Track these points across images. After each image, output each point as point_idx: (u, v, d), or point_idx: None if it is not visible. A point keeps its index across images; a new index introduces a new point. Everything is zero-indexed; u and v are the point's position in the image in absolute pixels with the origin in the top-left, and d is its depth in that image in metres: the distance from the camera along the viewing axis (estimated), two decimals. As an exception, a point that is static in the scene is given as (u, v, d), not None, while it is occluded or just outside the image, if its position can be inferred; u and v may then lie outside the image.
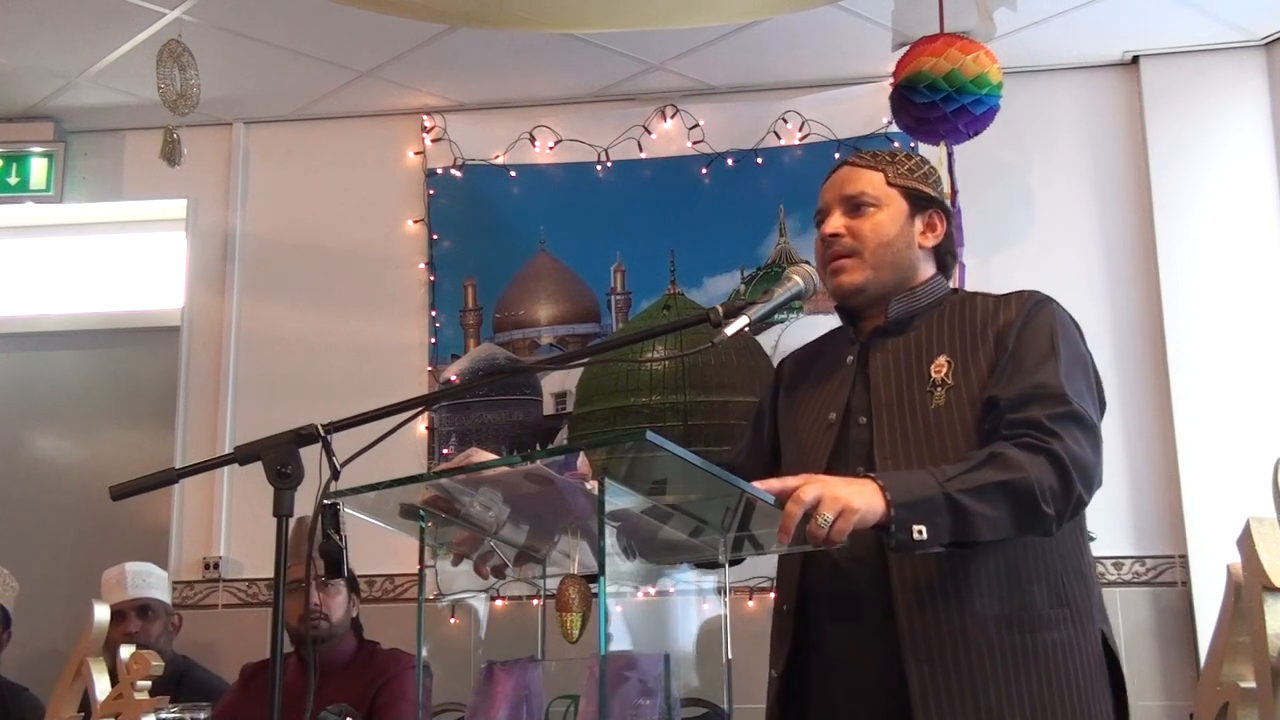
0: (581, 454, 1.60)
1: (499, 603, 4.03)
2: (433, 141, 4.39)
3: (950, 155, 3.80)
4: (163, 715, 1.97)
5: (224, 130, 4.50)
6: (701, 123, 4.25)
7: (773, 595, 2.13)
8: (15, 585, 3.72)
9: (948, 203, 2.14)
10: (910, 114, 3.56)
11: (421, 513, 1.75)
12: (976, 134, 3.60)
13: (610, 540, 1.69)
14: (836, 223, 2.05)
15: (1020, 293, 1.99)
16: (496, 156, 4.34)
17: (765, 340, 4.04)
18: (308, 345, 4.34)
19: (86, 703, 2.11)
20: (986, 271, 3.95)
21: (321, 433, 1.65)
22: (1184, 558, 3.81)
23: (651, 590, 3.91)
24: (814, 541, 1.65)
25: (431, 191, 4.37)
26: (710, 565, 1.94)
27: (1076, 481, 1.78)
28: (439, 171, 4.37)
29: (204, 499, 4.25)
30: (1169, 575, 3.86)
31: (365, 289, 4.36)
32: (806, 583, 1.97)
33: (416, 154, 4.41)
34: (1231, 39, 3.99)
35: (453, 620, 4.04)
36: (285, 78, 4.16)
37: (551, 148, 4.32)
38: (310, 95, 4.31)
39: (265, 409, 4.21)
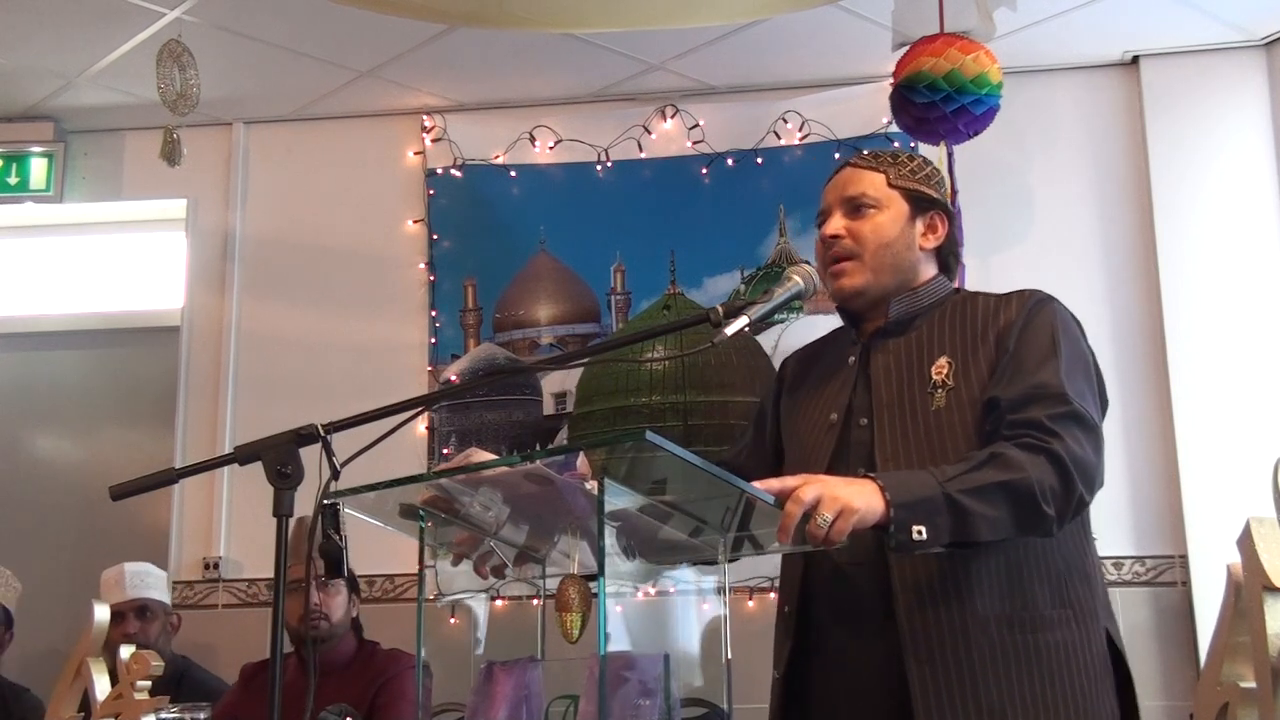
0: (581, 454, 1.60)
1: (499, 603, 4.03)
2: (433, 141, 4.38)
3: (950, 155, 3.80)
4: (163, 715, 1.97)
5: (224, 130, 4.50)
6: (701, 123, 4.25)
7: (773, 596, 2.13)
8: (18, 586, 3.72)
9: (950, 204, 2.14)
10: (910, 114, 3.56)
11: (421, 513, 1.75)
12: (976, 134, 3.60)
13: (610, 540, 1.69)
14: (837, 224, 2.05)
15: (1021, 292, 1.99)
16: (496, 156, 4.34)
17: (765, 340, 4.04)
18: (308, 345, 4.34)
19: (86, 703, 2.11)
20: (986, 271, 3.95)
21: (321, 433, 1.65)
22: (1184, 558, 3.81)
23: (651, 590, 3.91)
24: (813, 541, 1.65)
25: (431, 191, 4.37)
26: (709, 563, 1.94)
27: (1077, 482, 1.78)
28: (439, 171, 4.37)
29: (204, 499, 4.24)
30: (1169, 575, 3.86)
31: (365, 289, 4.36)
32: (808, 584, 1.97)
33: (416, 154, 4.41)
34: (1231, 39, 3.99)
35: (453, 620, 4.03)
36: (285, 78, 4.16)
37: (551, 148, 4.32)
38: (310, 95, 4.31)
39: (265, 409, 4.21)
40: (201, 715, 1.99)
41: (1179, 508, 3.84)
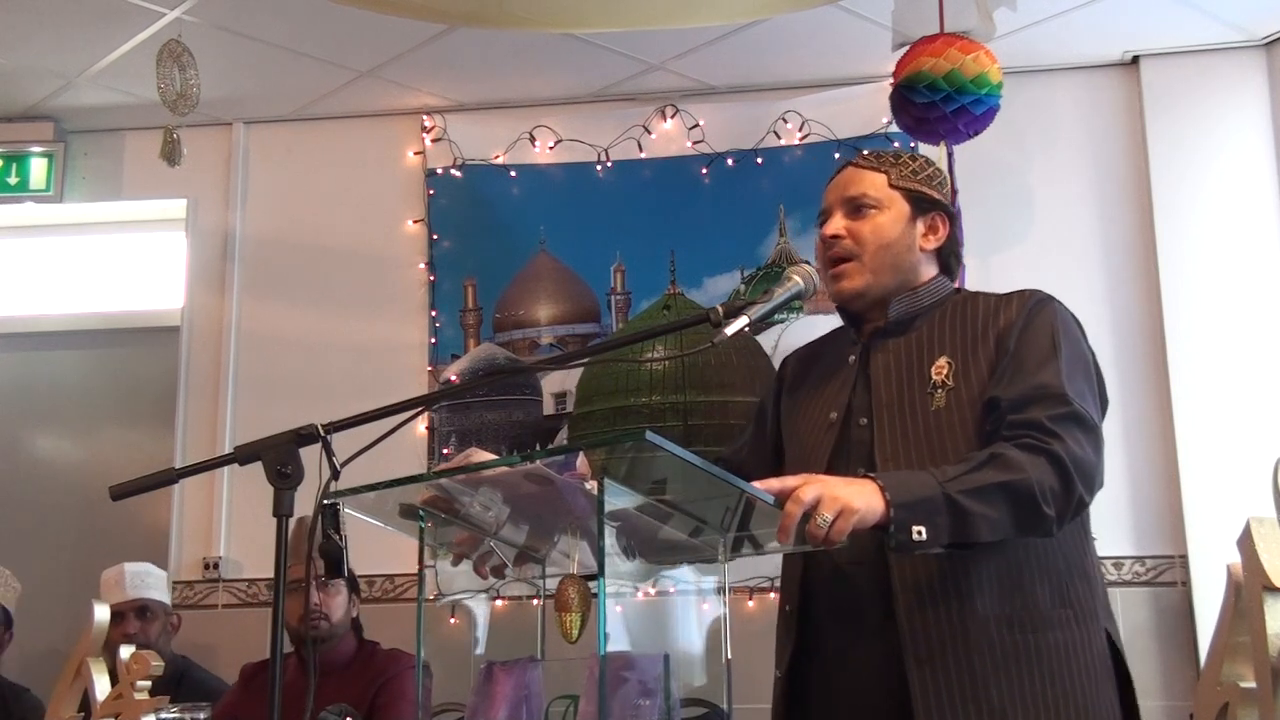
0: (581, 454, 1.60)
1: (499, 603, 4.03)
2: (433, 141, 4.39)
3: (950, 155, 3.80)
4: (162, 715, 1.97)
5: (224, 130, 4.50)
6: (701, 123, 4.25)
7: (773, 596, 2.13)
8: (17, 586, 3.72)
9: (951, 205, 2.14)
10: (910, 114, 3.56)
11: (421, 513, 1.75)
12: (976, 134, 3.60)
13: (610, 540, 1.69)
14: (837, 224, 2.05)
15: (1021, 292, 1.99)
16: (496, 156, 4.34)
17: (765, 340, 4.04)
18: (308, 345, 4.34)
19: (86, 703, 2.11)
20: (986, 271, 3.95)
21: (321, 433, 1.65)
22: (1184, 558, 3.81)
23: (651, 590, 3.91)
24: (813, 542, 1.65)
25: (431, 191, 4.37)
26: (709, 562, 1.94)
27: (1077, 482, 1.78)
28: (439, 171, 4.37)
29: (204, 499, 4.24)
30: (1169, 575, 3.86)
31: (365, 289, 4.36)
32: (808, 584, 1.98)
33: (416, 154, 4.41)
34: (1231, 39, 3.99)
35: (453, 620, 4.03)
36: (285, 78, 4.16)
37: (551, 148, 4.32)
38: (310, 95, 4.31)
39: (265, 409, 4.21)
40: (201, 715, 1.99)
41: (1179, 508, 3.84)
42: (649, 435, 1.46)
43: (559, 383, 4.20)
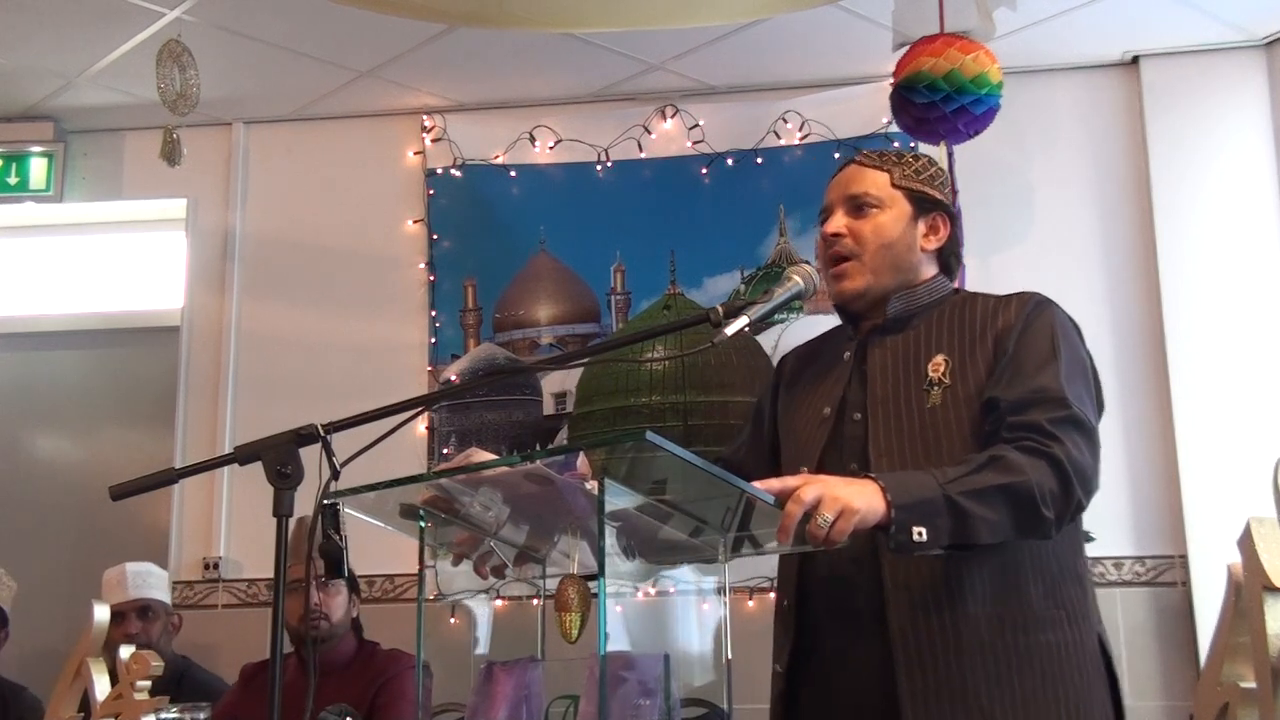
0: (581, 454, 1.60)
1: (499, 603, 4.03)
2: (433, 141, 4.39)
3: (950, 155, 3.80)
4: (162, 715, 1.97)
5: (224, 130, 4.50)
6: (701, 123, 4.25)
7: (774, 595, 2.13)
8: (13, 585, 3.72)
9: (953, 205, 2.14)
10: (910, 114, 3.56)
11: (421, 513, 1.75)
12: (976, 134, 3.60)
13: (610, 540, 1.69)
14: (838, 222, 2.05)
15: (1021, 294, 1.99)
16: (496, 156, 4.34)
17: (765, 340, 4.04)
18: (308, 345, 4.34)
19: (86, 703, 2.11)
20: (986, 271, 3.95)
21: (321, 433, 1.65)
22: (1184, 558, 3.81)
23: (651, 590, 3.91)
24: (814, 542, 1.65)
25: (431, 191, 4.37)
26: (709, 562, 1.94)
27: (1076, 486, 1.79)
28: (439, 171, 4.37)
29: (204, 499, 4.24)
30: (1169, 575, 3.86)
31: (365, 289, 4.36)
32: (804, 581, 1.98)
33: (416, 154, 4.41)
34: (1231, 39, 3.99)
35: (453, 620, 4.03)
36: (285, 78, 4.16)
37: (551, 148, 4.32)
38: (310, 95, 4.31)
39: (265, 409, 4.21)
40: (201, 715, 1.99)
41: (1179, 508, 3.84)
42: (649, 435, 1.46)
43: (559, 383, 4.20)
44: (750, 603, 3.80)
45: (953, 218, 2.10)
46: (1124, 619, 3.80)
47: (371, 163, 4.44)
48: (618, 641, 3.70)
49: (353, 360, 4.28)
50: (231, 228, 4.45)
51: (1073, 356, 1.91)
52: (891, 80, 3.61)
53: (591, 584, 1.62)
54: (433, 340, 4.29)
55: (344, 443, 1.66)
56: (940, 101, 3.45)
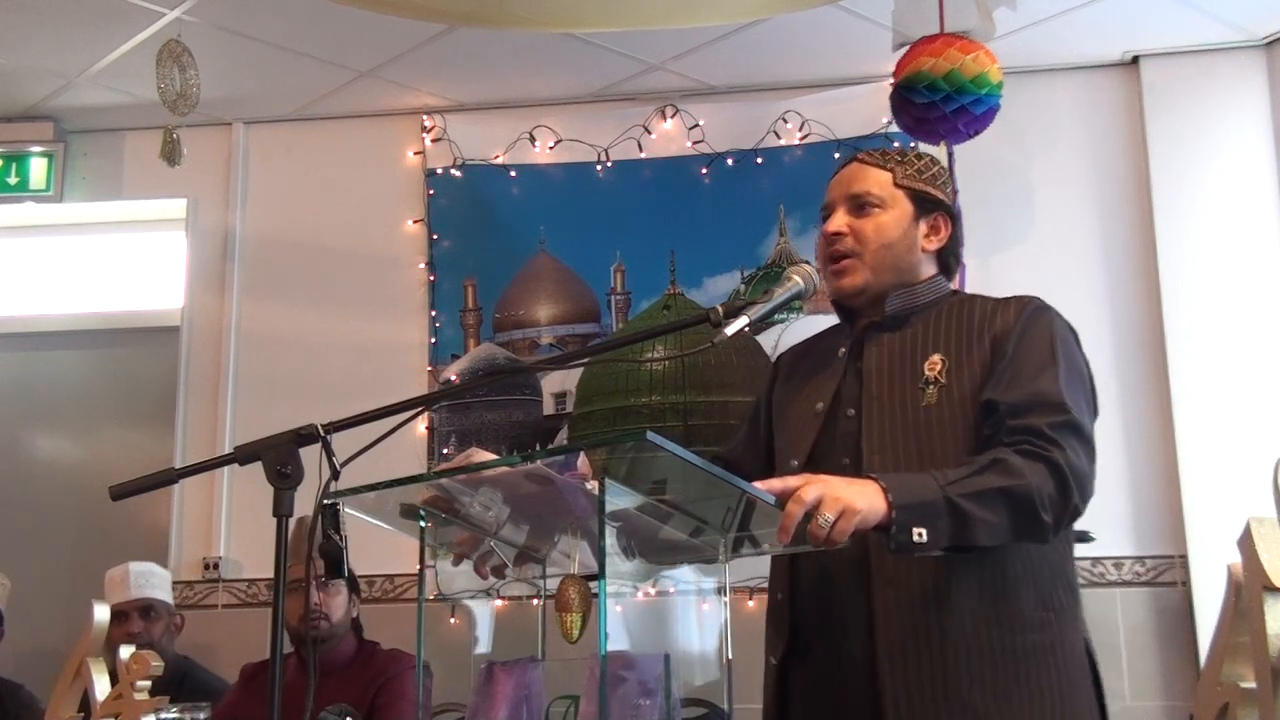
0: (581, 454, 1.60)
1: (499, 603, 4.03)
2: (433, 141, 4.39)
3: (950, 155, 3.79)
4: (162, 715, 1.97)
5: (224, 130, 4.50)
6: (701, 123, 4.25)
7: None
8: (7, 583, 3.72)
9: (955, 205, 2.14)
10: (910, 114, 3.56)
11: (421, 513, 1.75)
12: (976, 134, 3.60)
13: (610, 540, 1.69)
14: (839, 221, 2.05)
15: (1019, 298, 2.00)
16: (496, 156, 4.34)
17: (765, 340, 4.04)
18: (308, 345, 4.34)
19: (87, 703, 2.11)
20: (986, 271, 3.95)
21: (321, 433, 1.65)
22: (1184, 558, 3.81)
23: (651, 590, 3.91)
24: (814, 542, 1.65)
25: (431, 191, 4.37)
26: (709, 562, 1.95)
27: (1074, 491, 1.80)
28: (439, 171, 4.37)
29: (204, 499, 4.24)
30: (1169, 575, 3.86)
31: (365, 289, 4.36)
32: (796, 576, 1.99)
33: (416, 154, 4.41)
34: (1231, 39, 3.99)
35: (453, 620, 4.03)
36: (285, 78, 4.16)
37: (551, 148, 4.32)
38: (310, 95, 4.31)
39: (265, 409, 4.21)
40: (201, 715, 1.99)
41: (1179, 508, 3.84)
42: (650, 435, 1.46)
43: (559, 383, 4.20)
44: (750, 603, 3.80)
45: (954, 218, 2.10)
46: (1124, 619, 3.80)
47: (371, 163, 4.44)
48: (618, 641, 3.70)
49: (353, 360, 4.28)
50: (231, 228, 4.45)
51: (1071, 362, 1.92)
52: (891, 80, 3.61)
53: (592, 584, 1.62)
54: (433, 340, 4.29)
55: (344, 443, 1.66)
56: (940, 101, 3.45)
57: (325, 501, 1.65)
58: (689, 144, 4.25)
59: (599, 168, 4.29)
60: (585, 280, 4.27)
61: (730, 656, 1.81)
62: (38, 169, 4.43)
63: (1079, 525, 1.94)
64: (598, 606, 1.58)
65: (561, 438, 4.17)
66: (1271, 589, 1.55)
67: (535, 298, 4.29)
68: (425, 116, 4.40)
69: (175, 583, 4.09)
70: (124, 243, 4.67)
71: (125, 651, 2.03)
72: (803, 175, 4.12)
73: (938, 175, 2.09)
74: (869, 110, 4.11)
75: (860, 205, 2.04)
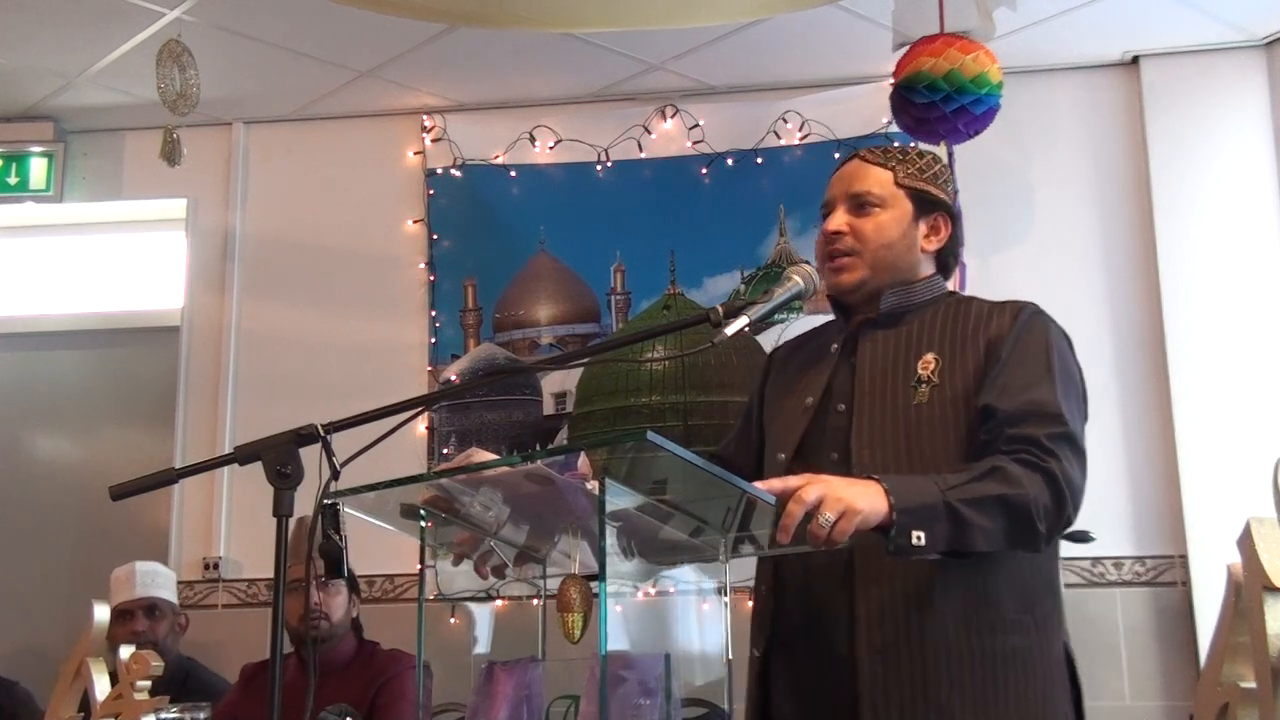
0: (582, 454, 1.60)
1: (499, 603, 4.03)
2: (433, 141, 4.39)
3: (950, 155, 3.79)
4: (163, 715, 1.97)
5: (224, 130, 4.50)
6: (701, 123, 4.25)
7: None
8: None
9: (955, 204, 2.14)
10: (910, 114, 3.56)
11: (421, 513, 1.75)
12: (976, 134, 3.60)
13: (611, 540, 1.69)
14: (839, 220, 2.05)
15: (1014, 303, 2.00)
16: (496, 156, 4.34)
17: (765, 340, 4.03)
18: (308, 345, 4.34)
19: (87, 703, 2.11)
20: (986, 271, 3.95)
21: (321, 433, 1.65)
22: (1184, 558, 3.81)
23: (651, 590, 3.91)
24: (815, 542, 1.65)
25: (431, 191, 4.37)
26: (709, 562, 1.95)
27: (1068, 502, 1.81)
28: (439, 171, 4.37)
29: (204, 499, 4.24)
30: (1169, 575, 3.86)
31: (365, 289, 4.36)
32: (780, 571, 1.99)
33: (416, 154, 4.41)
34: (1231, 39, 3.99)
35: (453, 620, 4.03)
36: (285, 78, 4.16)
37: (551, 148, 4.32)
38: (310, 95, 4.31)
39: (265, 409, 4.21)
40: (201, 715, 1.99)
41: (1179, 508, 3.84)
42: (650, 435, 1.46)
43: (559, 383, 4.20)
44: (750, 603, 3.80)
45: (954, 217, 2.10)
46: (1124, 619, 3.80)
47: (371, 163, 4.44)
48: (618, 641, 3.70)
49: (353, 360, 4.27)
50: (231, 228, 4.45)
51: (1066, 371, 1.93)
52: (891, 80, 3.61)
53: (593, 584, 1.62)
54: (433, 340, 4.29)
55: (344, 443, 1.66)
56: (940, 101, 3.44)
57: (325, 501, 1.65)
58: (689, 144, 4.25)
59: (599, 168, 4.29)
60: (585, 280, 4.27)
61: (731, 656, 1.81)
62: (38, 169, 4.44)
63: (1078, 524, 1.95)
64: (599, 606, 1.58)
65: (561, 438, 4.17)
66: (1271, 589, 1.55)
67: (535, 298, 4.29)
68: (425, 116, 4.40)
69: (176, 582, 4.10)
70: (124, 243, 4.67)
71: (125, 651, 2.03)
72: (803, 175, 4.12)
73: (939, 174, 2.09)
74: (869, 110, 4.11)
75: (860, 204, 2.04)
